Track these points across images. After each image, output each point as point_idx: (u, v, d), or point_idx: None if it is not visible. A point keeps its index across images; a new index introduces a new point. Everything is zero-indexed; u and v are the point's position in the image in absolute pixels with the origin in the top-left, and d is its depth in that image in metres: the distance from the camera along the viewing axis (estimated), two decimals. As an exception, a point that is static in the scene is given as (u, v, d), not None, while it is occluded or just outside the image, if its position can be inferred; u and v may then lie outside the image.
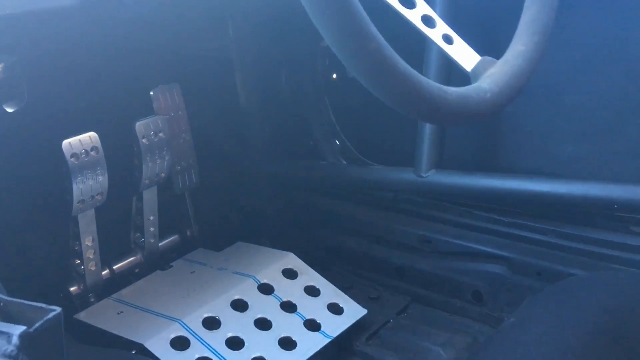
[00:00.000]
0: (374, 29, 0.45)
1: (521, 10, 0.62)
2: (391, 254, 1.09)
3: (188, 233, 1.17)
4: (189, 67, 1.10)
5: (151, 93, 1.04)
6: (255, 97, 1.17)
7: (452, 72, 0.90)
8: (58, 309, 0.47)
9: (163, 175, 1.05)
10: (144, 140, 0.99)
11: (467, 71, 0.55)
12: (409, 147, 1.02)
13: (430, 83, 0.46)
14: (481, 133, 1.00)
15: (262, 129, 1.18)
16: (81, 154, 0.90)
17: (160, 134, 1.01)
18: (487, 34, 0.81)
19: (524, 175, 0.93)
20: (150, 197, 1.06)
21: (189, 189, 1.14)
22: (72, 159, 0.89)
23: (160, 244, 1.11)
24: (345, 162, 1.17)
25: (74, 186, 0.90)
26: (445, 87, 0.48)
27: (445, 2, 0.84)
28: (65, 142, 0.89)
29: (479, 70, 0.53)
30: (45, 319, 0.45)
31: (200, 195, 1.16)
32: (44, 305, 0.48)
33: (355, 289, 1.10)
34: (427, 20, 0.55)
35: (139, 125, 0.98)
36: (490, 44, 0.64)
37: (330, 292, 1.03)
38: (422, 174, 0.98)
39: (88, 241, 0.98)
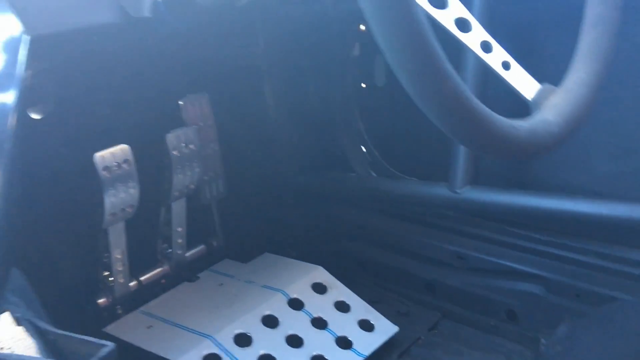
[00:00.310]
0: (449, 67, 0.43)
1: (569, 30, 0.60)
2: (421, 269, 1.07)
3: (214, 243, 1.15)
4: (218, 76, 1.08)
5: (180, 103, 1.03)
6: (284, 107, 1.16)
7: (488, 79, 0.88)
8: (111, 345, 0.45)
9: (192, 187, 1.03)
10: (174, 152, 0.97)
11: (527, 100, 0.53)
12: (442, 159, 1.00)
13: (502, 120, 0.45)
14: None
15: (290, 139, 1.17)
16: (113, 166, 0.89)
17: (191, 146, 1.00)
18: (534, 53, 0.79)
19: (563, 193, 0.91)
20: (179, 208, 1.04)
21: (215, 199, 1.13)
22: (105, 172, 0.88)
23: (186, 254, 1.10)
24: (374, 174, 1.15)
25: (106, 199, 0.89)
26: (515, 123, 0.46)
27: (489, 18, 0.82)
28: (98, 155, 0.87)
29: (540, 99, 0.51)
30: (99, 356, 0.44)
31: (226, 205, 1.15)
32: (95, 340, 0.47)
33: (384, 303, 1.08)
34: (485, 46, 0.53)
35: (170, 137, 0.97)
36: (538, 64, 0.63)
37: (361, 308, 1.01)
38: (457, 190, 0.96)
39: (117, 253, 0.97)
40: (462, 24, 0.52)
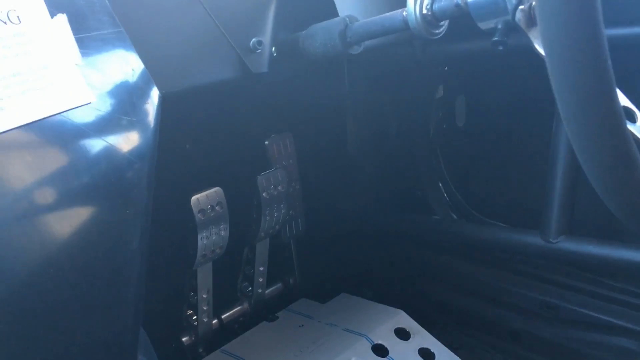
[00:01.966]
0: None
1: None
2: (506, 317, 1.04)
3: (291, 281, 1.15)
4: (302, 116, 1.08)
5: (266, 143, 1.04)
6: (366, 147, 1.15)
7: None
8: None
9: (277, 227, 1.04)
10: (264, 195, 0.98)
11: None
12: (531, 204, 0.98)
13: None
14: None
15: (370, 179, 1.16)
16: (207, 209, 0.90)
17: (279, 187, 1.00)
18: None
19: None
20: (262, 248, 1.04)
21: (295, 238, 1.13)
22: (200, 215, 0.89)
23: (265, 293, 1.10)
24: (455, 217, 1.13)
25: (199, 241, 0.90)
26: None
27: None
28: (194, 198, 0.88)
29: None
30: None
31: (304, 244, 1.15)
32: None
33: (465, 350, 1.05)
34: (628, 114, 0.52)
35: (261, 179, 0.97)
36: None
37: (445, 356, 0.99)
38: (551, 240, 0.93)
39: (204, 293, 0.97)
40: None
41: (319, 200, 1.15)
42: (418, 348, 0.99)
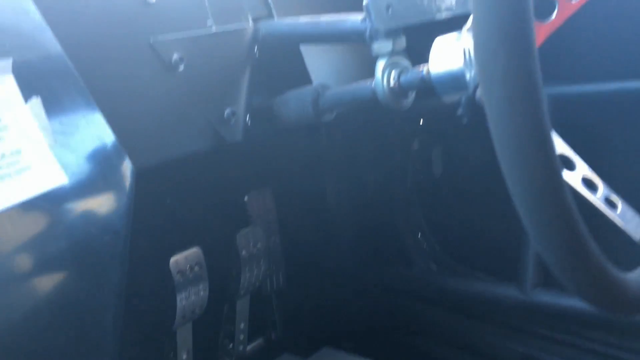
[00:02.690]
0: (589, 238, 0.43)
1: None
2: (487, 369, 1.04)
3: (273, 336, 1.14)
4: (281, 170, 1.10)
5: (245, 199, 1.05)
6: (344, 199, 1.16)
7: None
8: None
9: (257, 283, 1.04)
10: (243, 252, 0.98)
11: (636, 240, 0.53)
12: (509, 254, 0.99)
13: (618, 274, 0.44)
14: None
15: (350, 232, 1.17)
16: (186, 270, 0.90)
17: (259, 244, 1.00)
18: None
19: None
20: (243, 305, 1.04)
21: (275, 292, 1.13)
22: (179, 276, 0.89)
23: (247, 349, 1.09)
24: (435, 268, 1.14)
25: (179, 302, 0.90)
26: (629, 277, 0.46)
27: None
28: (173, 260, 0.88)
29: (649, 241, 0.51)
30: None
31: (285, 298, 1.14)
32: None
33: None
34: (589, 184, 0.54)
35: (240, 237, 0.98)
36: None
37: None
38: (528, 291, 0.94)
39: (184, 354, 0.96)
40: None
41: (299, 254, 1.15)
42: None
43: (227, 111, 0.70)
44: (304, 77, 0.79)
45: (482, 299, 1.03)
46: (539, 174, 0.41)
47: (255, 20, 0.75)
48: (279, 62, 0.77)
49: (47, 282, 0.54)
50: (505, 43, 0.36)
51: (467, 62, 0.53)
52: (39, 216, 0.52)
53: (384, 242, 1.18)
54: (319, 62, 0.80)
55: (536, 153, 0.40)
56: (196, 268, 0.91)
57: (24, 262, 0.52)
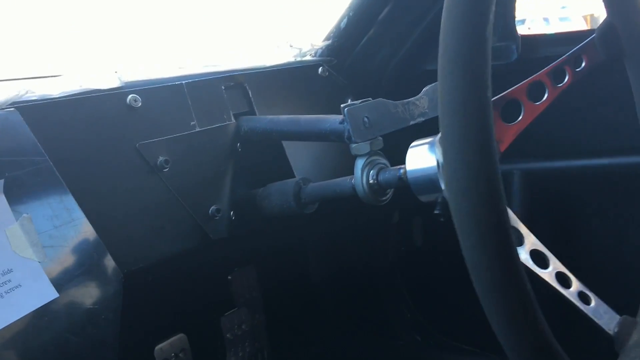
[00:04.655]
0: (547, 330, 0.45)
1: None
2: None
3: (259, 418, 1.13)
4: (264, 249, 1.11)
5: (229, 278, 1.05)
6: (327, 274, 1.18)
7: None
8: None
9: (243, 365, 1.03)
10: (228, 336, 0.98)
11: (609, 334, 0.55)
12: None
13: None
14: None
15: (334, 306, 1.18)
16: (171, 358, 0.90)
17: (243, 326, 1.01)
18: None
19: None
20: (229, 387, 1.03)
21: (260, 370, 1.12)
22: (164, 363, 0.89)
23: None
24: (420, 339, 1.15)
25: (165, 391, 0.89)
26: None
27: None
28: (158, 348, 0.88)
29: (622, 334, 0.53)
30: None
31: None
32: None
33: None
34: (562, 279, 0.56)
35: (224, 320, 0.98)
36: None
37: None
38: (512, 365, 0.95)
39: None
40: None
41: (283, 331, 1.15)
42: None
43: (212, 208, 0.72)
44: (286, 170, 0.82)
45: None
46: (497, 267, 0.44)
47: (236, 116, 0.78)
48: (261, 155, 0.80)
49: None
50: (468, 165, 0.40)
51: (440, 168, 0.56)
52: (29, 331, 0.53)
53: (367, 315, 1.19)
54: (300, 155, 0.83)
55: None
56: (181, 355, 0.91)
57: None
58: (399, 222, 1.19)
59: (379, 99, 0.65)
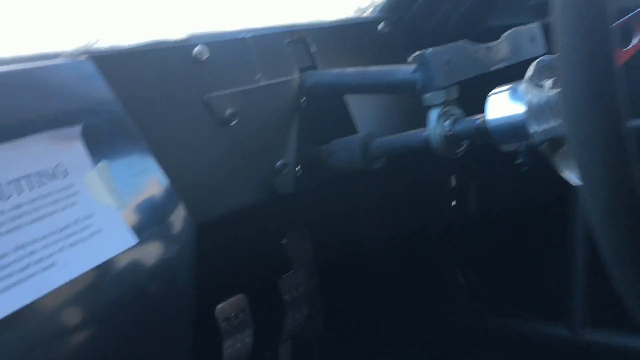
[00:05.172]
0: None
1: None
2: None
3: (314, 381, 1.13)
4: (318, 212, 1.10)
5: (283, 242, 1.05)
6: (381, 238, 1.16)
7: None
8: None
9: (299, 328, 1.03)
10: (286, 297, 0.98)
11: None
12: (555, 289, 0.97)
13: None
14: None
15: (388, 272, 1.16)
16: (232, 317, 0.90)
17: (300, 288, 1.00)
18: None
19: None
20: (285, 350, 1.03)
21: (316, 336, 1.12)
22: (224, 323, 0.89)
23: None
24: (477, 306, 1.12)
25: (224, 350, 0.89)
26: None
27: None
28: (219, 307, 0.88)
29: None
30: None
31: (325, 342, 1.13)
32: None
33: None
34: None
35: (282, 282, 0.98)
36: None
37: None
38: (578, 331, 0.92)
39: (230, 401, 0.96)
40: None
41: (338, 295, 1.15)
42: None
43: (278, 163, 0.71)
44: (350, 126, 0.80)
45: (528, 339, 1.01)
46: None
47: (301, 70, 0.77)
48: (324, 112, 0.78)
49: (114, 345, 0.54)
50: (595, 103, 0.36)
51: (530, 112, 0.53)
52: (107, 277, 0.53)
53: (423, 281, 1.17)
54: (363, 112, 0.81)
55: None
56: (241, 315, 0.91)
57: (93, 324, 0.52)
58: (455, 187, 1.17)
59: (461, 41, 0.62)
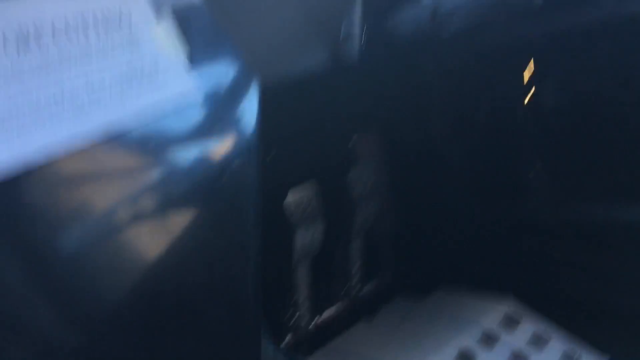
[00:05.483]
0: None
1: None
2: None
3: (388, 277, 1.13)
4: (389, 109, 1.06)
5: (354, 138, 1.03)
6: (454, 134, 1.11)
7: None
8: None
9: (370, 224, 1.03)
10: (355, 191, 0.97)
11: None
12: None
13: None
14: None
15: (462, 167, 1.12)
16: (303, 206, 0.90)
17: (369, 184, 0.99)
18: None
19: None
20: (357, 244, 1.04)
21: (388, 233, 1.11)
22: (296, 212, 0.89)
23: (362, 290, 1.09)
24: (554, 200, 1.08)
25: (296, 239, 0.90)
26: None
27: None
28: (290, 195, 0.89)
29: None
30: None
31: (399, 238, 1.13)
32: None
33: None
34: None
35: (351, 176, 0.97)
36: None
37: (561, 339, 0.93)
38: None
39: (304, 292, 0.97)
40: None
41: (410, 193, 1.13)
42: (530, 333, 0.95)
43: (343, 32, 0.69)
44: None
45: (615, 224, 0.96)
46: None
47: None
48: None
49: (184, 214, 0.54)
50: None
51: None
52: (170, 145, 0.53)
53: (498, 176, 1.13)
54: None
55: None
56: (313, 204, 0.91)
57: (162, 191, 0.53)
58: (530, 80, 1.10)
59: None
